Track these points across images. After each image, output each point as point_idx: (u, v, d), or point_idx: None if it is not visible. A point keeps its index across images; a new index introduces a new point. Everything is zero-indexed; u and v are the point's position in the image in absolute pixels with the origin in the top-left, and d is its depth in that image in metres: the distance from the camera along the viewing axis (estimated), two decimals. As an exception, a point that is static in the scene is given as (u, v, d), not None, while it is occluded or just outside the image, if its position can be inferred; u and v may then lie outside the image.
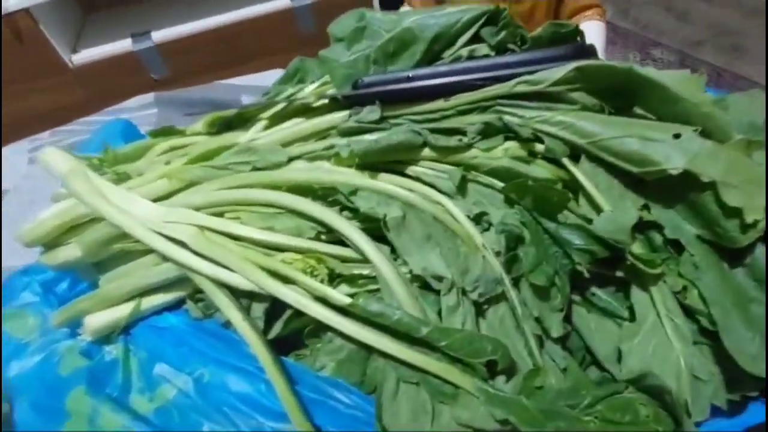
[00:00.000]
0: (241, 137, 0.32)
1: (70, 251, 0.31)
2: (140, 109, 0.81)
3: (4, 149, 0.77)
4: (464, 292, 0.22)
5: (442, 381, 0.21)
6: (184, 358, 0.27)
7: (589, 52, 0.28)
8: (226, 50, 1.21)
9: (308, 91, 0.31)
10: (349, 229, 0.23)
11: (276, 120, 0.31)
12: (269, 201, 0.26)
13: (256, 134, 0.30)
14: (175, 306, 0.31)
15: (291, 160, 0.28)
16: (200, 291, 0.29)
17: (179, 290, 0.30)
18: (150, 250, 0.30)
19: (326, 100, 0.31)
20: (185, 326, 0.28)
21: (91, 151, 0.46)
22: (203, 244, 0.25)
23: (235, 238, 0.25)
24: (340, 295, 0.22)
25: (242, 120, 0.34)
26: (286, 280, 0.23)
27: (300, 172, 0.27)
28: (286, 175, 0.27)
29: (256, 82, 0.84)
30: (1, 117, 1.04)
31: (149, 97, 0.84)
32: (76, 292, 0.34)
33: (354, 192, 0.24)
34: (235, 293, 0.25)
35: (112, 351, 0.30)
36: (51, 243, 0.32)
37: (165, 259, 0.27)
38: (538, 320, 0.22)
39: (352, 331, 0.21)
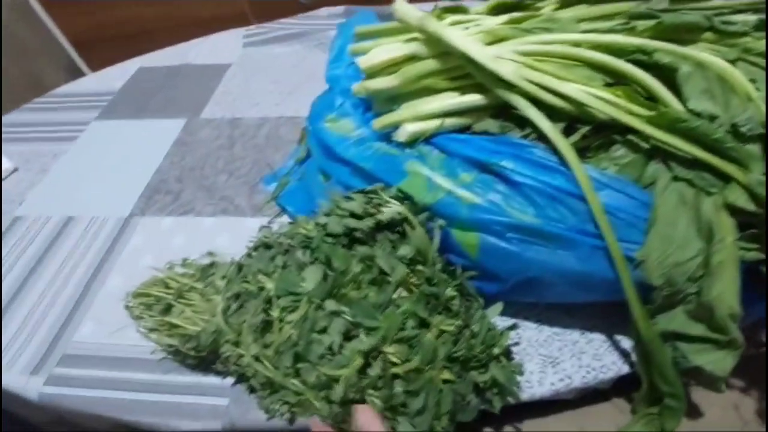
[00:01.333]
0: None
1: (388, 81, 0.42)
2: (329, 18, 0.92)
3: (221, 33, 0.92)
4: (732, 127, 0.30)
5: (714, 176, 0.30)
6: (482, 155, 0.37)
7: None
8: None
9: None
10: (644, 75, 0.32)
11: (561, 6, 0.40)
12: (571, 54, 0.35)
13: (550, 13, 0.39)
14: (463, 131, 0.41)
15: (584, 32, 0.37)
16: (494, 116, 0.39)
17: (470, 117, 0.41)
18: (449, 88, 0.41)
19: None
20: (479, 138, 0.38)
21: (349, 31, 0.58)
22: (527, 72, 0.34)
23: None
24: (645, 110, 0.31)
25: (522, 7, 0.43)
26: (597, 98, 0.32)
27: (599, 35, 0.35)
28: (587, 36, 0.35)
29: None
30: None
31: (339, 9, 0.95)
32: (369, 116, 0.46)
33: (652, 52, 0.33)
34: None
35: (414, 152, 0.41)
36: (372, 74, 0.43)
37: (481, 89, 0.38)
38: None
39: (656, 134, 0.30)
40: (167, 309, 0.41)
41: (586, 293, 0.35)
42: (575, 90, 0.33)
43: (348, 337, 0.32)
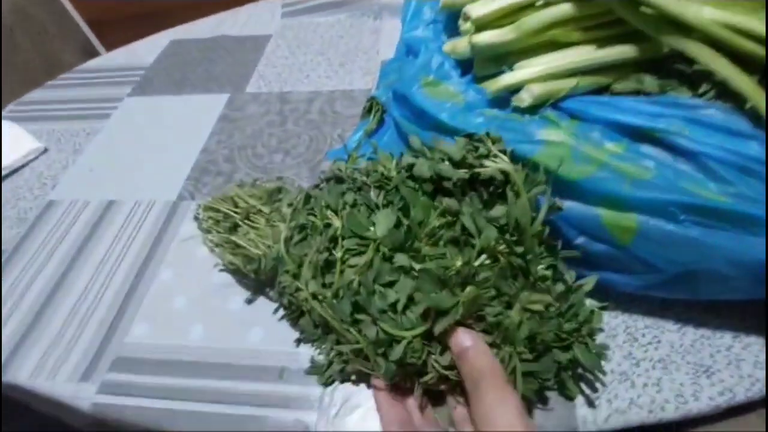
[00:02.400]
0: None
1: (503, 34, 0.35)
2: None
3: (255, 4, 0.85)
4: None
5: None
6: (639, 120, 0.30)
7: None
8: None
9: None
10: None
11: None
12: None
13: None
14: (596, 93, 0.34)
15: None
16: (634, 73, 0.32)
17: (609, 76, 0.34)
18: (581, 41, 0.34)
19: None
20: (631, 100, 0.31)
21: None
22: (714, 12, 0.27)
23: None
24: None
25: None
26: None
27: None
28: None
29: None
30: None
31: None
32: (467, 79, 0.39)
33: None
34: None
35: (536, 119, 0.34)
36: (481, 26, 0.36)
37: (625, 39, 0.31)
38: None
39: None
40: (233, 227, 0.40)
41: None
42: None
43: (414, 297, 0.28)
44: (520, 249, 0.29)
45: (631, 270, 0.31)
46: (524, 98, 0.33)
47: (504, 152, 0.30)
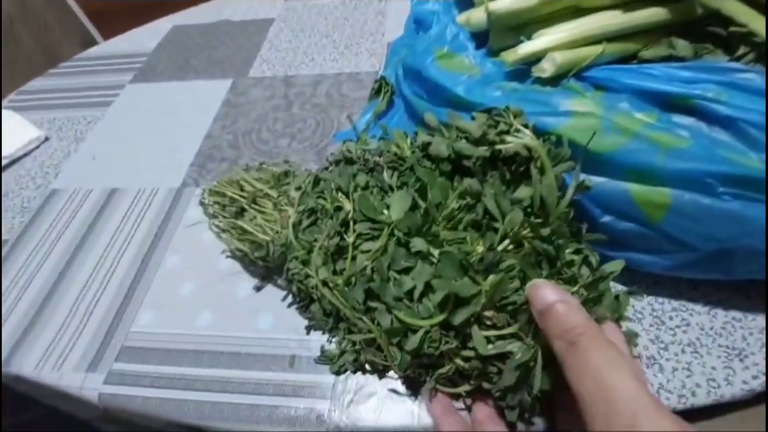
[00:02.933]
0: None
1: (521, 0, 0.33)
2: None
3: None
4: None
5: None
6: (673, 87, 0.28)
7: None
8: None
9: None
10: None
11: None
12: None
13: None
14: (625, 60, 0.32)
15: None
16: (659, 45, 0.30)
17: (636, 42, 0.32)
18: (604, 7, 0.32)
19: None
20: (663, 66, 0.29)
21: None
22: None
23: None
24: None
25: None
26: None
27: None
28: None
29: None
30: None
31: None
32: (482, 52, 0.37)
33: None
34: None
35: (557, 91, 0.32)
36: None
37: (654, 2, 0.29)
38: None
39: None
40: (240, 212, 0.39)
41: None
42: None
43: (432, 285, 0.26)
44: (545, 232, 0.27)
45: (660, 249, 0.30)
46: (546, 68, 0.31)
47: (526, 127, 0.29)
